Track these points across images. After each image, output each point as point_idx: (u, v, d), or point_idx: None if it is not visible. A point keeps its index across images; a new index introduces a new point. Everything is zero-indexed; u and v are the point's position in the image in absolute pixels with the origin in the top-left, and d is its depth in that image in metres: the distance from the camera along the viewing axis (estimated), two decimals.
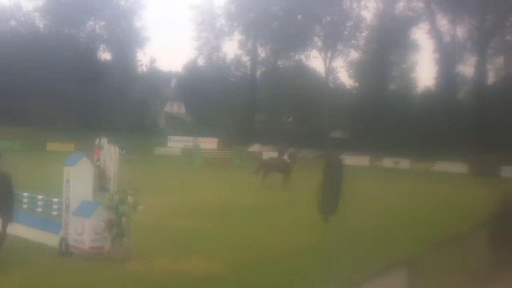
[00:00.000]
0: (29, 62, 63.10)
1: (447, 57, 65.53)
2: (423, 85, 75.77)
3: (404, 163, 53.86)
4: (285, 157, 29.32)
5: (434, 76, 68.08)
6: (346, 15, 72.02)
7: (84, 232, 11.44)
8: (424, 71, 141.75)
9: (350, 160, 49.22)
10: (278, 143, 48.08)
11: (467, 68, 67.42)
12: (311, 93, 73.43)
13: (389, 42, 67.05)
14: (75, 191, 11.83)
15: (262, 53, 78.64)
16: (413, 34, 70.37)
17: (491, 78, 65.89)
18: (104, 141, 25.57)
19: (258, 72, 79.56)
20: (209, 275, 10.52)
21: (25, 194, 13.75)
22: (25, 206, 13.56)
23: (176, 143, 62.08)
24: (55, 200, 12.74)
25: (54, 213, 12.60)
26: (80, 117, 67.34)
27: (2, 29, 71.61)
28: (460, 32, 66.82)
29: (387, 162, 55.05)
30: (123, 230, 11.24)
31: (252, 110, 75.94)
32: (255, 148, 64.27)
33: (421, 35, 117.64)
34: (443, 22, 67.79)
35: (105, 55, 77.56)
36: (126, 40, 73.54)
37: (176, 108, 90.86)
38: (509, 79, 60.74)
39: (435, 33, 66.70)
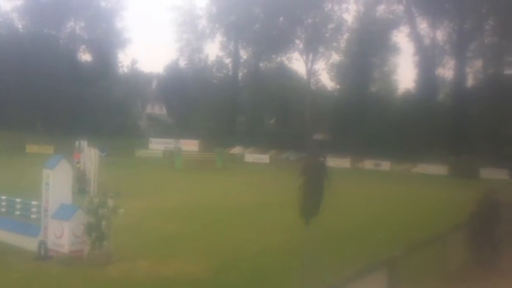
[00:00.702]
0: (8, 63, 62.23)
1: (427, 60, 66.14)
2: (403, 88, 76.60)
3: (385, 165, 54.30)
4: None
5: (414, 79, 68.68)
6: (328, 17, 72.29)
7: (63, 235, 11.32)
8: (405, 74, 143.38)
9: (332, 162, 49.36)
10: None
11: (446, 71, 68.17)
12: (293, 95, 73.58)
13: (370, 44, 67.46)
14: (54, 194, 11.71)
15: (244, 55, 78.72)
16: (393, 37, 70.95)
17: (470, 80, 66.69)
18: (84, 143, 25.37)
19: (240, 74, 79.51)
20: (189, 279, 10.47)
21: (3, 197, 13.56)
22: (3, 209, 13.37)
23: (158, 145, 61.73)
24: (34, 203, 12.57)
25: (33, 216, 12.44)
26: (60, 119, 66.55)
27: None
28: (440, 35, 67.58)
29: (368, 164, 55.42)
30: (103, 233, 11.13)
31: (234, 112, 75.86)
32: (237, 150, 64.25)
33: (401, 38, 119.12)
34: (423, 26, 68.55)
35: (85, 56, 76.83)
36: (107, 41, 72.79)
37: (158, 110, 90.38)
38: (487, 82, 61.51)
39: (415, 36, 67.30)
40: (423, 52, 66.68)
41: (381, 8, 70.97)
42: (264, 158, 59.31)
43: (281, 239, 14.53)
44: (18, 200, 13.19)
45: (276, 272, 11.20)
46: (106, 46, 72.41)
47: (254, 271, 11.33)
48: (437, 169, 50.23)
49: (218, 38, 78.32)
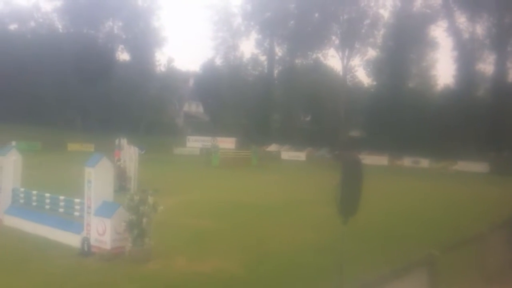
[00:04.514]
0: (48, 63, 63.92)
1: (466, 54, 64.71)
2: (442, 83, 75.13)
3: (424, 163, 53.45)
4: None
5: (453, 74, 67.32)
6: (363, 13, 71.64)
7: (105, 232, 11.60)
8: (443, 69, 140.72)
9: (369, 159, 49.01)
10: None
11: (486, 66, 66.71)
12: (328, 92, 73.15)
13: (407, 40, 66.47)
14: (96, 192, 12.00)
15: (279, 52, 78.61)
16: (431, 31, 69.84)
17: (511, 76, 65.04)
18: (124, 141, 25.83)
19: (276, 71, 79.46)
20: (226, 276, 10.60)
21: (47, 195, 13.95)
22: (47, 207, 13.77)
23: (195, 143, 62.44)
24: (76, 200, 12.91)
25: (76, 213, 12.78)
26: (99, 117, 67.95)
27: (22, 30, 72.70)
28: (479, 29, 65.94)
29: (406, 161, 54.68)
30: (144, 230, 11.35)
31: (270, 109, 75.99)
32: (273, 147, 64.36)
33: (439, 33, 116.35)
34: (461, 20, 67.09)
35: (123, 56, 78.32)
36: (144, 40, 73.91)
37: (195, 108, 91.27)
38: None
39: (454, 31, 65.94)
40: (462, 46, 65.32)
41: (418, 3, 70.01)
42: (301, 155, 59.22)
43: (315, 237, 14.54)
44: (61, 197, 13.56)
45: (310, 269, 11.21)
46: (143, 45, 73.50)
47: (288, 268, 11.38)
48: (477, 167, 49.20)
49: (253, 35, 78.65)
